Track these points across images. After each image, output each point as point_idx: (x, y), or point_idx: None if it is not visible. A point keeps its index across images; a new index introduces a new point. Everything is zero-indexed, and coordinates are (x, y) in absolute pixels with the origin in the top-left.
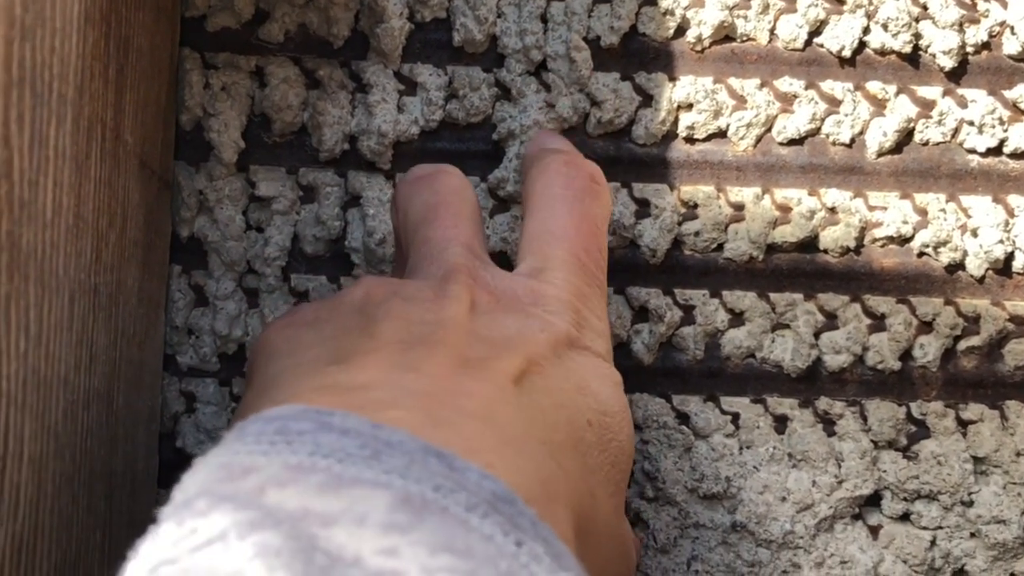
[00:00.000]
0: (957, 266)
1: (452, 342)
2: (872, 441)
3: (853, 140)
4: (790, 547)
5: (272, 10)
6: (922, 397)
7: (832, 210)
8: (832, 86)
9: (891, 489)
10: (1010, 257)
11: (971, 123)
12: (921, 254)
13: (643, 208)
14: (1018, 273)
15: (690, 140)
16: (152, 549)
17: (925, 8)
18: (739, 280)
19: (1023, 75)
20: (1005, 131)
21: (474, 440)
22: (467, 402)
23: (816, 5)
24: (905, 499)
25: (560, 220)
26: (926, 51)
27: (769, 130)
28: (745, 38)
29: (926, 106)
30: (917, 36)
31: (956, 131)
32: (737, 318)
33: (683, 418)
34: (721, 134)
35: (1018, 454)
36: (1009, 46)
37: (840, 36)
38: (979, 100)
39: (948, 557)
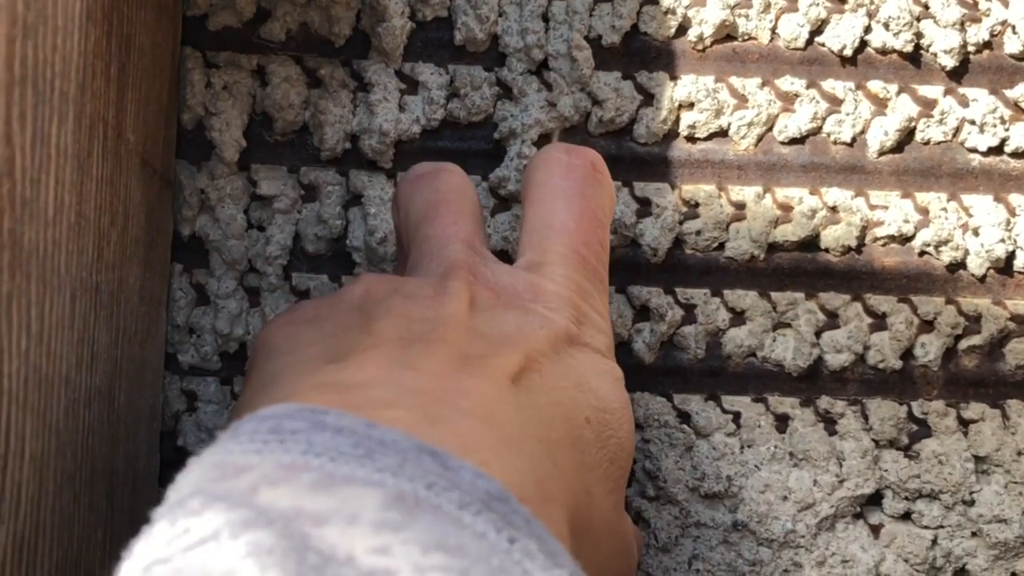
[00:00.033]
0: (958, 265)
1: (451, 340)
2: (873, 440)
3: (854, 139)
4: (791, 546)
5: (273, 9)
6: (923, 396)
7: (833, 209)
8: (833, 85)
9: (892, 488)
10: (1011, 256)
11: (972, 122)
12: (922, 253)
13: (644, 207)
14: (1019, 272)
15: (691, 139)
16: (145, 548)
17: (926, 7)
18: (740, 279)
19: None
20: (1006, 130)
21: (470, 439)
22: (465, 401)
23: (817, 4)
24: (906, 498)
25: (560, 214)
26: (927, 50)
27: (770, 129)
28: (746, 37)
29: (927, 105)
30: (918, 35)
31: (957, 130)
32: (738, 317)
33: (684, 417)
34: (722, 133)
35: (1019, 453)
36: (1010, 45)
37: (841, 35)
38: (980, 99)
39: (949, 556)
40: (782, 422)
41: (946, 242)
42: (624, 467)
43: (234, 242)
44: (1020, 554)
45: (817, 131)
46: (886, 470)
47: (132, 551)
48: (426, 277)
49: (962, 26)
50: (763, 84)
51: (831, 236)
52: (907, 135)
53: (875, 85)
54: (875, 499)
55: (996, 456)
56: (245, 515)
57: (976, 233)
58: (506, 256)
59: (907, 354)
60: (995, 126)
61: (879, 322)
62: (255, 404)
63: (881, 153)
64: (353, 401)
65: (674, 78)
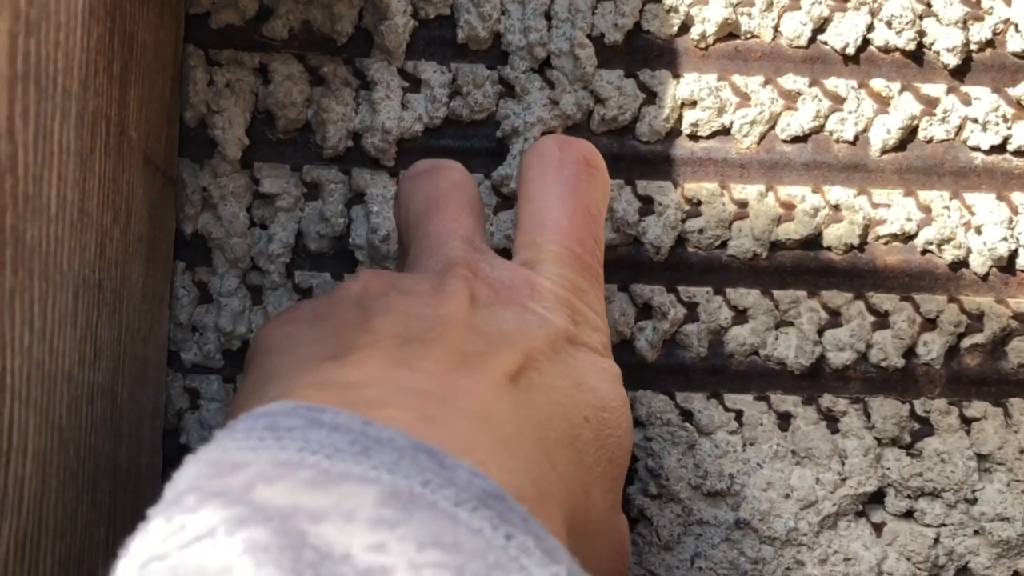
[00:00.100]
0: (961, 263)
1: (450, 338)
2: (876, 438)
3: (857, 137)
4: (794, 544)
5: (276, 7)
6: (926, 394)
7: (836, 207)
8: (836, 83)
9: (895, 486)
10: (1014, 254)
11: (975, 120)
12: (925, 251)
13: (647, 205)
14: (1022, 270)
15: (694, 137)
16: (141, 546)
17: (929, 5)
18: (743, 277)
19: None
20: (1009, 128)
21: (467, 439)
22: (462, 400)
23: (820, 3)
24: (909, 496)
25: (553, 211)
26: (930, 48)
27: (773, 127)
28: (749, 35)
29: (930, 103)
30: (921, 33)
31: (960, 128)
32: (741, 315)
33: (687, 415)
34: (725, 131)
35: (1022, 451)
36: (1013, 44)
37: (844, 33)
38: (983, 97)
39: (952, 554)
40: (784, 420)
41: (948, 240)
42: (622, 466)
43: (237, 240)
44: (1022, 552)
45: (819, 129)
46: (888, 468)
47: (129, 548)
48: (424, 273)
49: (965, 24)
50: (765, 82)
51: (833, 234)
52: (909, 133)
53: (878, 83)
54: (877, 497)
55: (998, 454)
56: (241, 512)
57: (978, 231)
58: (508, 255)
59: (909, 352)
60: (997, 124)
61: (881, 320)
62: (251, 403)
63: (884, 151)
64: (350, 399)
65: (677, 76)
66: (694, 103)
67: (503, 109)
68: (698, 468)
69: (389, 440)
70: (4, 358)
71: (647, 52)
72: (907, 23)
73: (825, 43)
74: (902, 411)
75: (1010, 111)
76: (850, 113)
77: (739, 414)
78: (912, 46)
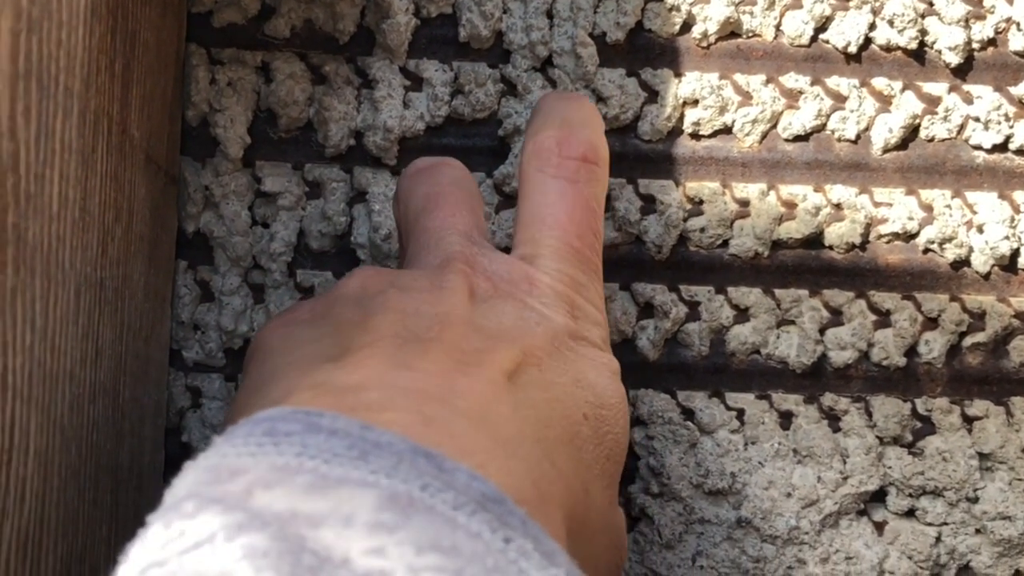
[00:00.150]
0: (962, 262)
1: (448, 337)
2: (877, 437)
3: (858, 136)
4: (795, 543)
5: (278, 6)
6: (927, 393)
7: (837, 206)
8: (838, 82)
9: (896, 485)
10: (1015, 253)
11: (977, 119)
12: (926, 250)
13: (648, 204)
14: (1023, 269)
15: (696, 136)
16: (141, 552)
17: (931, 4)
18: (744, 276)
19: None
20: (1011, 127)
21: (466, 441)
22: (461, 401)
23: (822, 1)
24: (910, 495)
25: (552, 207)
26: (932, 47)
27: (775, 126)
28: (751, 34)
29: (932, 102)
30: (923, 32)
31: (962, 127)
32: (742, 314)
33: (688, 414)
34: (727, 130)
35: (1023, 450)
36: (1015, 42)
37: (846, 32)
38: (985, 96)
39: (953, 553)
40: (786, 419)
41: (950, 239)
42: (619, 462)
43: (238, 239)
44: None
45: (821, 128)
46: (890, 467)
47: (128, 554)
48: (423, 269)
49: (967, 23)
50: (767, 81)
51: (835, 233)
52: (911, 132)
53: (879, 82)
54: (879, 496)
55: (1000, 453)
56: (240, 518)
57: (980, 230)
58: (509, 253)
59: (911, 351)
60: (999, 123)
61: (883, 319)
62: (250, 405)
63: (885, 150)
64: (348, 403)
65: (678, 75)
66: (696, 102)
67: (505, 108)
68: (700, 467)
69: (388, 444)
70: (6, 357)
71: (649, 51)
72: (909, 22)
73: (827, 42)
74: (904, 410)
75: (1012, 110)
76: (852, 112)
77: (741, 413)
78: (914, 45)
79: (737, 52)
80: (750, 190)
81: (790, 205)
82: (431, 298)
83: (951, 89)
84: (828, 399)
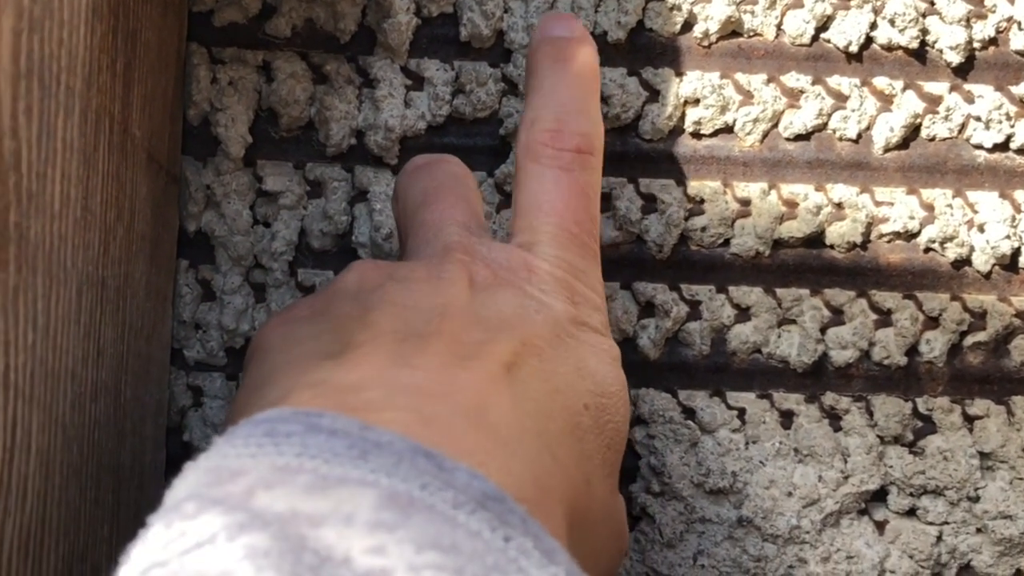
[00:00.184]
0: (963, 261)
1: (448, 330)
2: (878, 436)
3: (860, 135)
4: (796, 542)
5: (279, 5)
6: (928, 392)
7: (839, 205)
8: (839, 81)
9: (897, 484)
10: (1016, 253)
11: (978, 119)
12: (927, 249)
13: (649, 203)
14: None
15: (697, 135)
16: (142, 552)
17: (932, 4)
18: (745, 275)
19: None
20: (1012, 127)
21: (466, 439)
22: (460, 398)
23: (823, 0)
24: (911, 494)
25: (548, 193)
26: (933, 47)
27: (776, 125)
28: (752, 33)
29: (933, 102)
30: (924, 32)
31: (963, 127)
32: (743, 313)
33: (689, 413)
34: (728, 129)
35: None
36: (1016, 42)
37: (847, 31)
38: (986, 96)
39: (954, 552)
40: (787, 418)
41: (951, 238)
42: (620, 450)
43: (240, 238)
44: None
45: (822, 127)
46: (891, 466)
47: (129, 555)
48: (421, 260)
49: (968, 22)
50: (768, 80)
51: (836, 232)
52: (912, 131)
53: (880, 81)
54: (880, 495)
55: (1001, 452)
56: (241, 518)
57: (981, 229)
58: None
59: (912, 350)
60: (1001, 122)
61: (884, 318)
62: (250, 405)
63: (886, 149)
64: (349, 403)
65: (679, 74)
66: (697, 101)
67: (506, 107)
68: (700, 466)
69: (388, 444)
70: (8, 355)
71: (650, 50)
72: (910, 21)
73: (828, 41)
74: (904, 409)
75: (1013, 109)
76: (853, 111)
77: (741, 412)
78: (915, 44)
79: (738, 51)
80: (751, 189)
81: (791, 204)
82: (430, 289)
83: (952, 88)
84: (829, 398)
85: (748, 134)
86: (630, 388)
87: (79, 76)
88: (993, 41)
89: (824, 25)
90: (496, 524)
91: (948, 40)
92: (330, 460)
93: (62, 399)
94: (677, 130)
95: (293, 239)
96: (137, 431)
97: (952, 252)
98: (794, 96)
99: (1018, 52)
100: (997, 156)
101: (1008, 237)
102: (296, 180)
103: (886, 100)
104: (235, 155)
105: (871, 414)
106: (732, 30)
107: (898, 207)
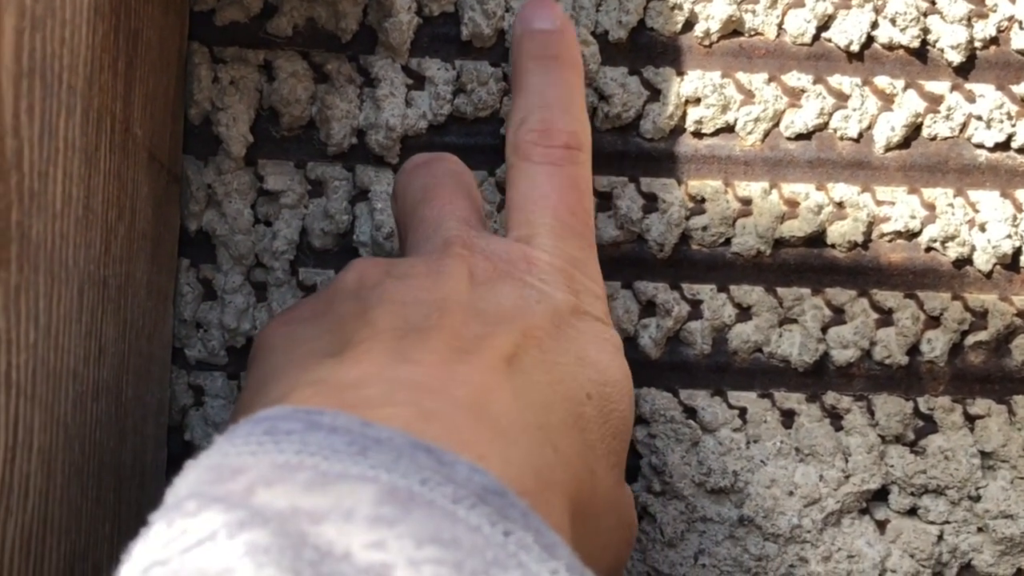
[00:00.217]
0: (965, 261)
1: (447, 324)
2: (879, 436)
3: (861, 135)
4: (797, 541)
5: (280, 4)
6: (929, 392)
7: (840, 205)
8: (840, 81)
9: (898, 484)
10: (1018, 252)
11: (979, 118)
12: (929, 249)
13: (651, 203)
14: None
15: (698, 135)
16: (143, 550)
17: (933, 3)
18: (746, 275)
19: None
20: (1013, 126)
21: (466, 433)
22: (460, 392)
23: (824, 0)
24: (912, 494)
25: (542, 188)
26: (934, 46)
27: (777, 125)
28: (753, 32)
29: (934, 101)
30: (925, 31)
31: (964, 126)
32: (744, 313)
33: (690, 412)
34: (729, 129)
35: None
36: (1017, 41)
37: (848, 31)
38: (987, 95)
39: (955, 552)
40: (788, 417)
41: (952, 238)
42: (625, 439)
43: (241, 237)
44: None
45: (823, 127)
46: (892, 466)
47: (131, 553)
48: (420, 256)
49: (969, 22)
50: (769, 80)
51: (837, 232)
52: (914, 131)
53: (882, 81)
54: (881, 495)
55: (1002, 452)
56: (241, 515)
57: (983, 229)
58: None
59: (913, 350)
60: (1002, 122)
61: (885, 318)
62: (252, 404)
63: (888, 149)
64: (349, 400)
65: (681, 73)
66: (698, 100)
67: (507, 106)
68: (702, 465)
69: (388, 439)
70: (9, 354)
71: (651, 49)
72: (911, 20)
73: (829, 40)
74: (906, 408)
75: (1014, 108)
76: (854, 110)
77: (743, 411)
78: (916, 43)
79: (739, 50)
80: (752, 188)
81: (792, 204)
82: (429, 284)
83: (953, 88)
84: (830, 398)
85: (749, 133)
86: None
87: (81, 75)
88: (994, 40)
89: (825, 24)
90: (496, 518)
91: (949, 39)
92: (330, 457)
93: (64, 398)
94: (678, 129)
95: (294, 238)
96: (138, 430)
97: (953, 251)
98: (795, 95)
99: (1019, 51)
100: (998, 155)
101: (1009, 236)
102: (297, 179)
103: (887, 99)
104: (236, 154)
105: (872, 413)
106: (733, 29)
107: (899, 206)
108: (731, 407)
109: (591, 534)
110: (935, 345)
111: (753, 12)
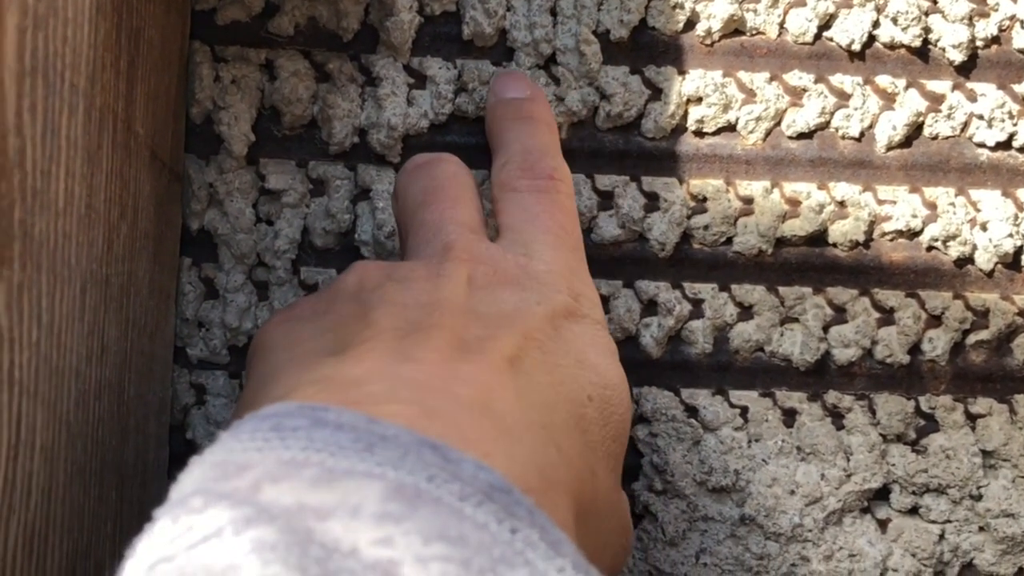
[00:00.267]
0: (966, 260)
1: (448, 325)
2: (881, 435)
3: (862, 134)
4: (799, 540)
5: (282, 3)
6: (931, 391)
7: (841, 204)
8: (841, 80)
9: (900, 483)
10: (1019, 251)
11: (980, 117)
12: (930, 248)
13: (652, 202)
14: None
15: (699, 134)
16: (149, 547)
17: (935, 2)
18: (748, 274)
19: None
20: (1014, 125)
21: (470, 431)
22: (464, 390)
23: None
24: (914, 493)
25: (532, 209)
26: (935, 45)
27: (778, 124)
28: (755, 32)
29: (935, 100)
30: (926, 30)
31: (965, 125)
32: (746, 312)
33: (692, 411)
34: (730, 128)
35: None
36: (1019, 40)
37: (849, 30)
38: (988, 94)
39: (957, 551)
40: (790, 416)
41: (954, 237)
42: (623, 444)
43: (243, 236)
44: None
45: (825, 126)
46: (893, 465)
47: (135, 549)
48: (420, 259)
49: (970, 21)
50: (771, 79)
51: (839, 231)
52: (915, 130)
53: (883, 80)
54: (882, 494)
55: (1004, 451)
56: (247, 512)
57: (984, 228)
58: None
59: (915, 349)
60: (1003, 121)
61: (887, 317)
62: (255, 402)
63: (889, 148)
64: (353, 397)
65: (682, 73)
66: (699, 99)
67: None
68: (703, 464)
69: (394, 436)
70: (12, 352)
71: (652, 48)
72: (913, 19)
73: (831, 39)
74: (907, 407)
75: (1016, 108)
76: (855, 110)
77: (744, 410)
78: (918, 43)
79: (741, 50)
80: (754, 188)
81: (794, 203)
82: (429, 287)
83: (955, 87)
84: (832, 397)
85: (751, 132)
86: (633, 386)
87: (83, 74)
88: (996, 39)
89: (827, 23)
90: (503, 516)
91: (951, 38)
92: (336, 453)
93: (66, 396)
94: (680, 128)
95: (296, 237)
96: (140, 428)
97: (955, 250)
98: (797, 94)
99: (1021, 51)
100: (1000, 154)
101: (1010, 235)
102: (299, 178)
103: (889, 98)
104: (238, 153)
105: (873, 412)
106: (735, 28)
107: (901, 205)
108: (732, 406)
109: (592, 535)
110: (936, 344)
111: (755, 11)
